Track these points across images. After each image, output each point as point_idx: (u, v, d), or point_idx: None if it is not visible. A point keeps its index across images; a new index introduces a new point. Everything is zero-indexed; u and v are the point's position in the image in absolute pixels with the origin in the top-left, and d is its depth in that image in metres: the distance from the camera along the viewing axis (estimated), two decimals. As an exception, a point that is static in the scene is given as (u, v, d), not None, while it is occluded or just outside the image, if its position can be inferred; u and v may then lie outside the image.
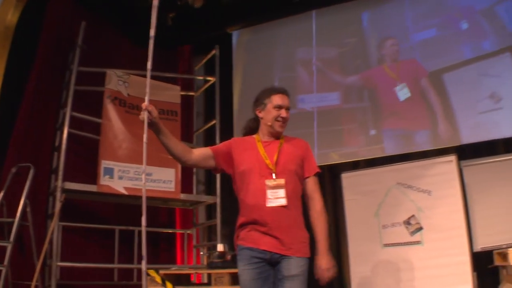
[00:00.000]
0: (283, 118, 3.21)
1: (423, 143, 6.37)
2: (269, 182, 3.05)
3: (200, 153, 3.20)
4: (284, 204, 3.00)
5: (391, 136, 6.61)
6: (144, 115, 2.82)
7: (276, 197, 3.01)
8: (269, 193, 3.03)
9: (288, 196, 3.04)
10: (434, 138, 6.32)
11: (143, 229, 2.75)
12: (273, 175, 3.07)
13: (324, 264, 2.99)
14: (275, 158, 3.13)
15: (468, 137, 6.09)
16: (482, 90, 6.11)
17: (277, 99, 3.23)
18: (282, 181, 3.05)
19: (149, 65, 2.93)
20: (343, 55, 7.32)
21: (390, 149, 6.56)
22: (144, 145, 2.86)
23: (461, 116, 6.20)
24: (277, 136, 3.28)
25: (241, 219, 3.13)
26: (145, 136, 2.83)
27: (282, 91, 3.29)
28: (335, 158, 6.82)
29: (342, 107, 7.11)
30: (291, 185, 3.09)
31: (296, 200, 3.13)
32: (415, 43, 6.81)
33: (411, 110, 6.56)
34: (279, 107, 3.21)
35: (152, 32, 2.99)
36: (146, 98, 2.86)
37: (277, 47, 7.84)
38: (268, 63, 7.82)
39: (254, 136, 3.33)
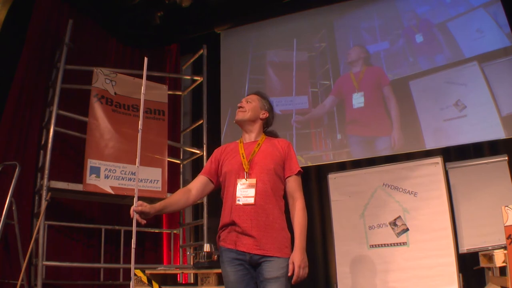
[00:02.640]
0: (238, 106, 3.37)
1: (385, 149, 6.58)
2: (240, 182, 3.07)
3: (197, 187, 3.23)
4: (251, 203, 2.99)
5: (356, 141, 6.81)
6: (134, 218, 2.83)
7: (245, 196, 3.02)
8: (239, 192, 3.04)
9: (262, 196, 3.03)
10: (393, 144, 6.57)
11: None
12: (245, 174, 3.09)
13: (298, 261, 2.91)
14: (250, 157, 3.15)
15: (431, 143, 6.31)
16: (447, 98, 6.37)
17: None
18: (253, 180, 3.06)
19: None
20: (313, 59, 7.53)
21: (355, 154, 6.76)
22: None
23: (425, 122, 6.44)
24: (249, 132, 3.34)
25: (221, 220, 3.14)
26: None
27: (251, 93, 3.51)
28: (302, 161, 6.91)
29: (311, 111, 7.27)
30: (269, 184, 3.08)
31: (275, 199, 3.09)
32: (382, 50, 7.04)
33: (370, 117, 6.79)
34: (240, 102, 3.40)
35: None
36: (135, 203, 2.86)
37: (253, 49, 8.01)
38: (245, 65, 7.94)
39: (238, 140, 3.38)
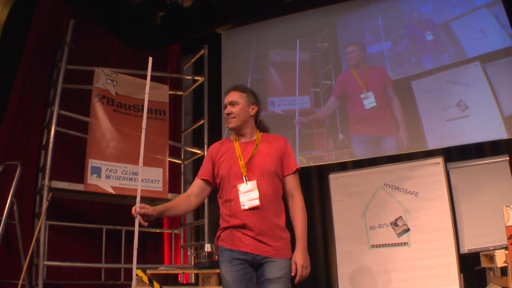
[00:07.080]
0: (226, 115, 3.22)
1: (391, 149, 6.55)
2: (240, 186, 3.02)
3: (196, 192, 3.17)
4: (257, 205, 2.96)
5: (359, 141, 6.79)
6: (136, 219, 2.83)
7: (250, 199, 2.97)
8: (241, 196, 2.99)
9: (265, 198, 2.99)
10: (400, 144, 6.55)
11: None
12: (244, 178, 3.03)
13: (300, 261, 2.92)
14: (248, 159, 3.09)
15: (433, 143, 6.30)
16: (449, 98, 6.36)
17: (224, 99, 3.28)
18: (254, 183, 3.01)
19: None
20: (315, 59, 7.53)
21: (359, 154, 6.74)
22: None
23: (427, 123, 6.43)
24: (245, 134, 3.24)
25: (221, 223, 3.09)
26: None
27: (229, 89, 3.30)
28: (303, 161, 6.90)
29: (313, 111, 7.25)
30: (270, 186, 3.04)
31: (276, 200, 3.07)
32: (386, 50, 7.03)
33: (378, 117, 6.76)
34: (225, 106, 3.24)
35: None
36: (137, 203, 2.86)
37: (254, 49, 8.03)
38: (246, 65, 7.95)
39: (231, 137, 3.30)
